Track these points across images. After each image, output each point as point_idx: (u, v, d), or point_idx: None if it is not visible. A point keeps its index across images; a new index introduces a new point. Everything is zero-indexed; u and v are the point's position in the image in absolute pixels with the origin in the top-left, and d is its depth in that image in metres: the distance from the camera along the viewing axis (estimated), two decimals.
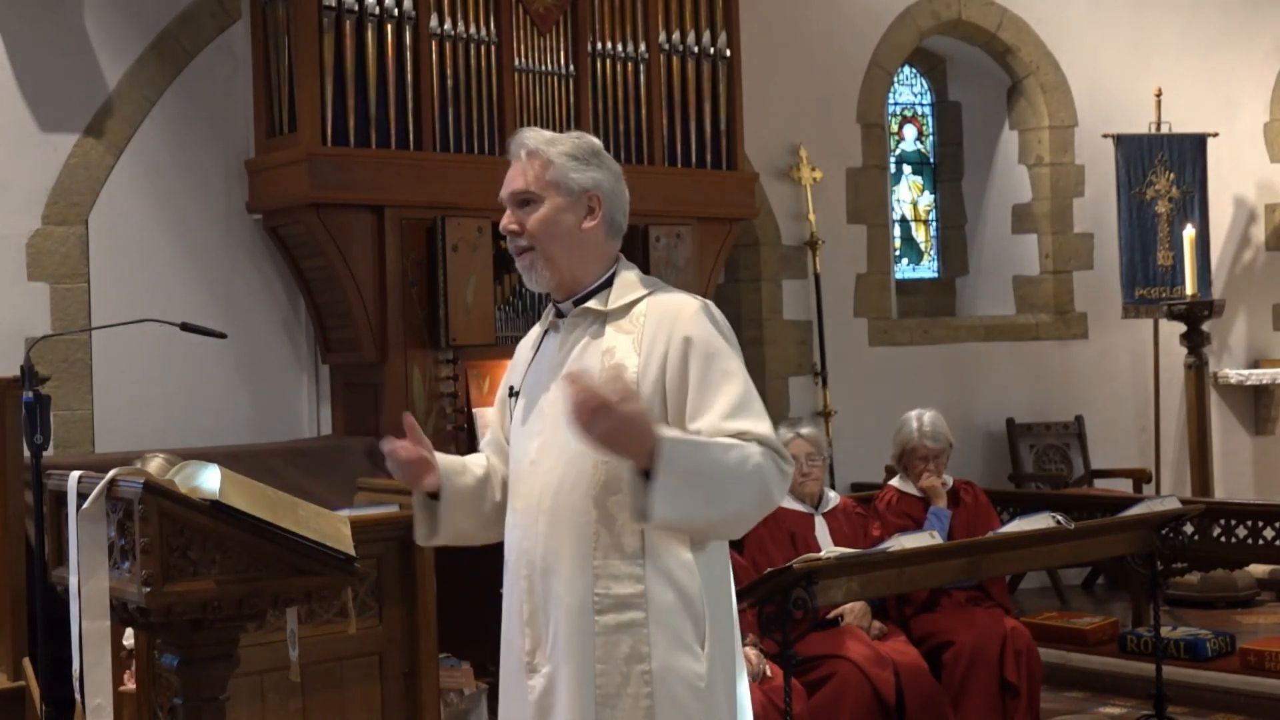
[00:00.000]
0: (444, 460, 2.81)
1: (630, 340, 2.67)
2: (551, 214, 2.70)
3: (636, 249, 6.31)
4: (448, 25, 6.03)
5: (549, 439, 2.69)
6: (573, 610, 2.61)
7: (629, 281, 2.76)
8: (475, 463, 2.89)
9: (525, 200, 2.72)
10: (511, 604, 2.74)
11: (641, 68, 6.61)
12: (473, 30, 6.10)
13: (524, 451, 2.74)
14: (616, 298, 2.73)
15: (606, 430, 2.42)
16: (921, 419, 5.54)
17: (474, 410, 5.98)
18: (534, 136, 2.75)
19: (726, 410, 2.58)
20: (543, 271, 2.73)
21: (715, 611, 2.67)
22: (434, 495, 2.79)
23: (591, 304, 2.74)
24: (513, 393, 2.85)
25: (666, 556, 2.62)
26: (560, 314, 2.79)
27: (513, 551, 2.74)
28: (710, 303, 2.73)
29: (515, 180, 2.73)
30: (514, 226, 2.73)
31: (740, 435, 2.56)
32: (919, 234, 9.43)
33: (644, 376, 2.63)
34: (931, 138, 9.47)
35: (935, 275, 9.42)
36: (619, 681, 2.59)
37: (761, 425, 2.59)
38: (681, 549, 2.64)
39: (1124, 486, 8.36)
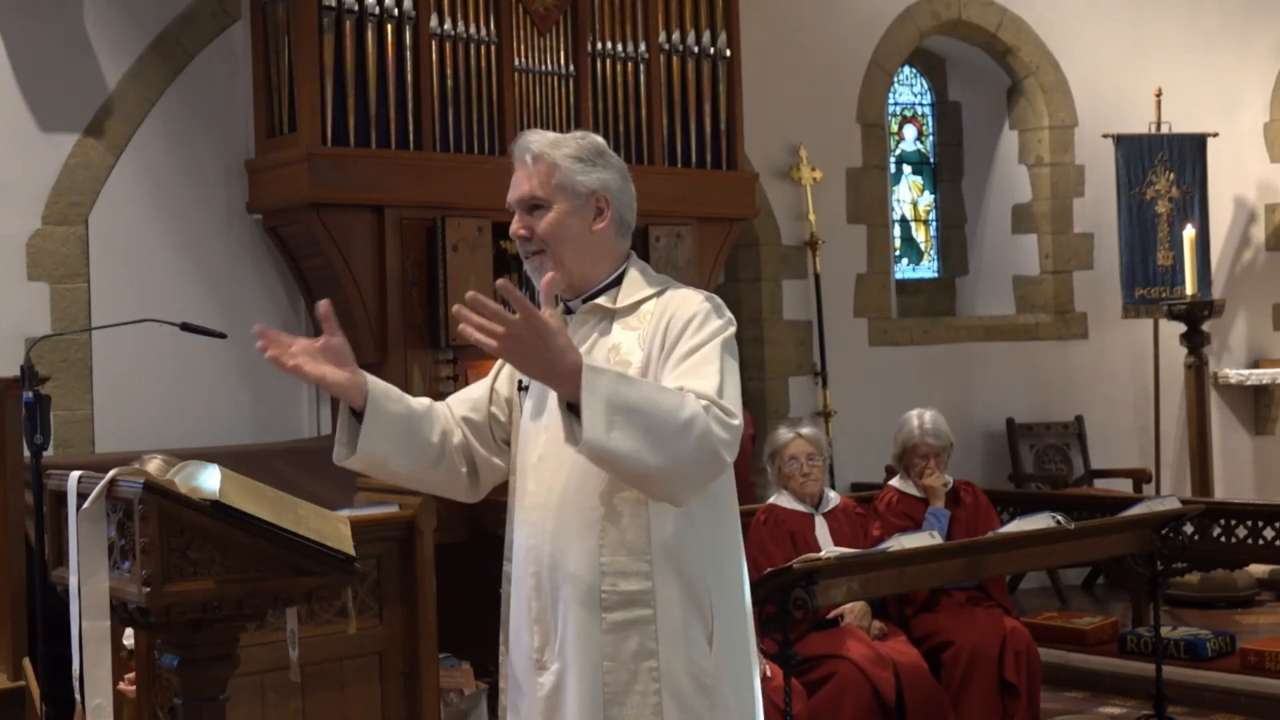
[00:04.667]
0: (376, 381, 2.71)
1: (636, 336, 2.68)
2: (561, 218, 2.69)
3: (636, 249, 6.26)
4: (448, 25, 6.03)
5: (555, 435, 2.67)
6: (580, 607, 2.60)
7: (638, 279, 2.77)
8: (419, 400, 2.82)
9: (534, 205, 2.71)
10: (519, 601, 2.73)
11: (641, 68, 6.61)
12: (473, 30, 6.10)
13: (531, 448, 2.74)
14: (625, 296, 2.74)
15: (514, 339, 2.37)
16: (923, 417, 5.55)
17: None
18: (538, 140, 2.73)
19: (677, 374, 2.56)
20: (555, 272, 2.72)
21: (724, 608, 2.67)
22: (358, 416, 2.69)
23: (600, 301, 2.74)
24: (522, 387, 2.85)
25: (674, 553, 2.62)
26: (568, 310, 2.80)
27: (519, 549, 2.73)
28: (714, 295, 2.73)
29: (521, 185, 2.71)
30: (524, 232, 2.72)
31: (681, 390, 2.51)
32: (919, 234, 9.43)
33: (647, 370, 2.65)
34: (931, 138, 9.47)
35: (935, 275, 9.42)
36: (627, 679, 2.59)
37: (707, 384, 2.52)
38: (688, 544, 2.64)
39: (1124, 486, 8.36)
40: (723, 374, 2.57)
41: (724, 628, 2.67)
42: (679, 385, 2.53)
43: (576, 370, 2.41)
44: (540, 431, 2.72)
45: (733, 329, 2.68)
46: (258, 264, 6.16)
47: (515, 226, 2.73)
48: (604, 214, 2.74)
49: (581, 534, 2.61)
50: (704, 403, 2.49)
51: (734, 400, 2.57)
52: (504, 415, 2.87)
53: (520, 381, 2.86)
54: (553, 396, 2.71)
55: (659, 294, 2.74)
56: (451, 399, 2.91)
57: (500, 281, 2.43)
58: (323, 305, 2.65)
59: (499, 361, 2.88)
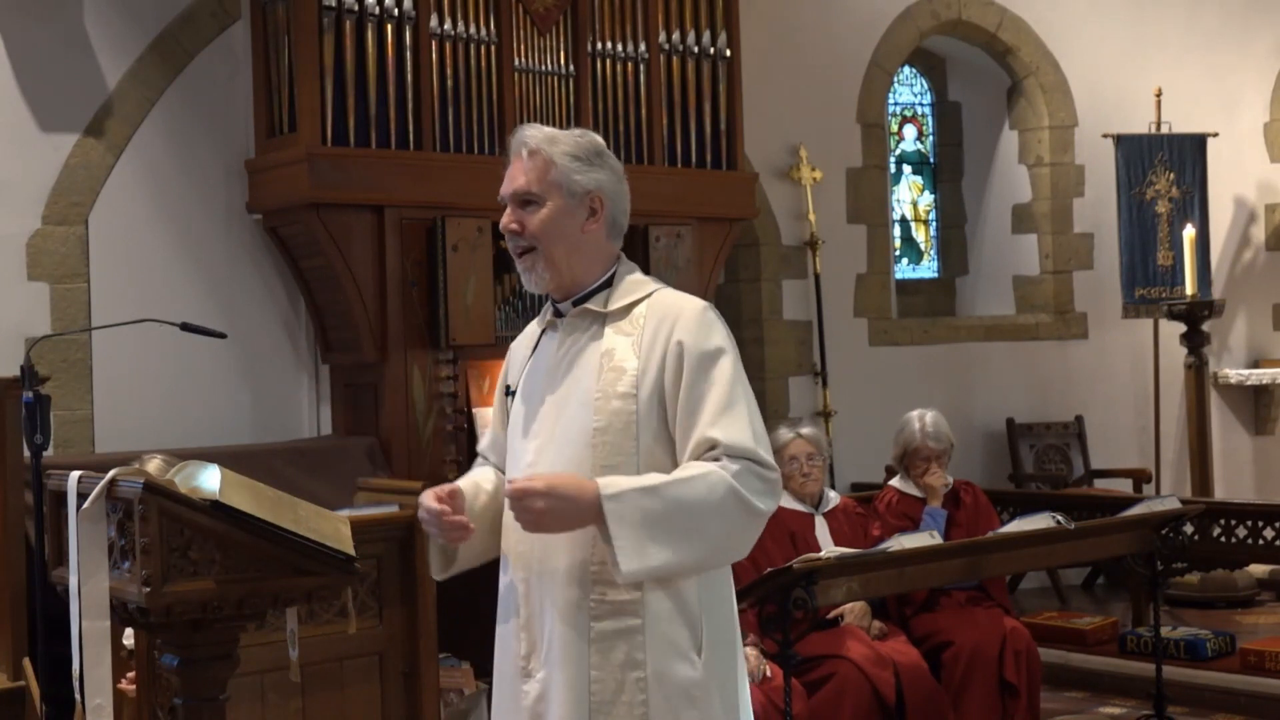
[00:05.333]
0: (467, 492, 2.77)
1: (630, 342, 2.66)
2: (554, 216, 2.68)
3: (636, 249, 6.31)
4: (448, 25, 6.03)
5: (546, 441, 2.67)
6: (568, 615, 2.59)
7: (629, 282, 2.74)
8: (484, 480, 2.85)
9: (527, 200, 2.69)
10: (507, 607, 2.72)
11: (641, 68, 6.61)
12: (473, 30, 6.10)
13: (521, 453, 2.72)
14: (617, 299, 2.71)
15: (542, 514, 2.49)
16: (924, 419, 5.55)
17: (474, 410, 5.98)
18: (535, 134, 2.71)
19: (708, 420, 2.57)
20: (543, 273, 2.71)
21: (713, 618, 2.66)
22: None
23: (591, 305, 2.72)
24: (509, 392, 2.84)
25: None
26: (559, 314, 2.78)
27: (509, 554, 2.72)
28: (710, 305, 2.70)
29: (516, 179, 2.70)
30: (514, 226, 2.70)
31: (713, 445, 2.54)
32: (919, 234, 9.43)
33: (643, 379, 2.62)
34: (931, 138, 9.47)
35: (935, 275, 9.42)
36: (614, 688, 2.58)
37: (736, 432, 2.55)
38: None
39: (1124, 486, 8.36)
40: (750, 414, 2.59)
41: (712, 639, 2.65)
42: (712, 438, 2.55)
43: (597, 505, 2.47)
44: (531, 438, 2.70)
45: (731, 349, 2.67)
46: (258, 264, 6.16)
47: (506, 220, 2.71)
48: (597, 215, 2.71)
49: (571, 541, 2.60)
50: (736, 466, 2.52)
51: (764, 438, 2.61)
52: None
53: (508, 386, 2.86)
54: (544, 401, 2.71)
55: (650, 297, 2.71)
56: (486, 451, 2.93)
57: (507, 489, 2.55)
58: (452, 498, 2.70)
59: (498, 390, 2.91)
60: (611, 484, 2.51)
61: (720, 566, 2.65)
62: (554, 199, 2.68)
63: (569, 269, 2.71)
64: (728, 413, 2.57)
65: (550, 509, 2.49)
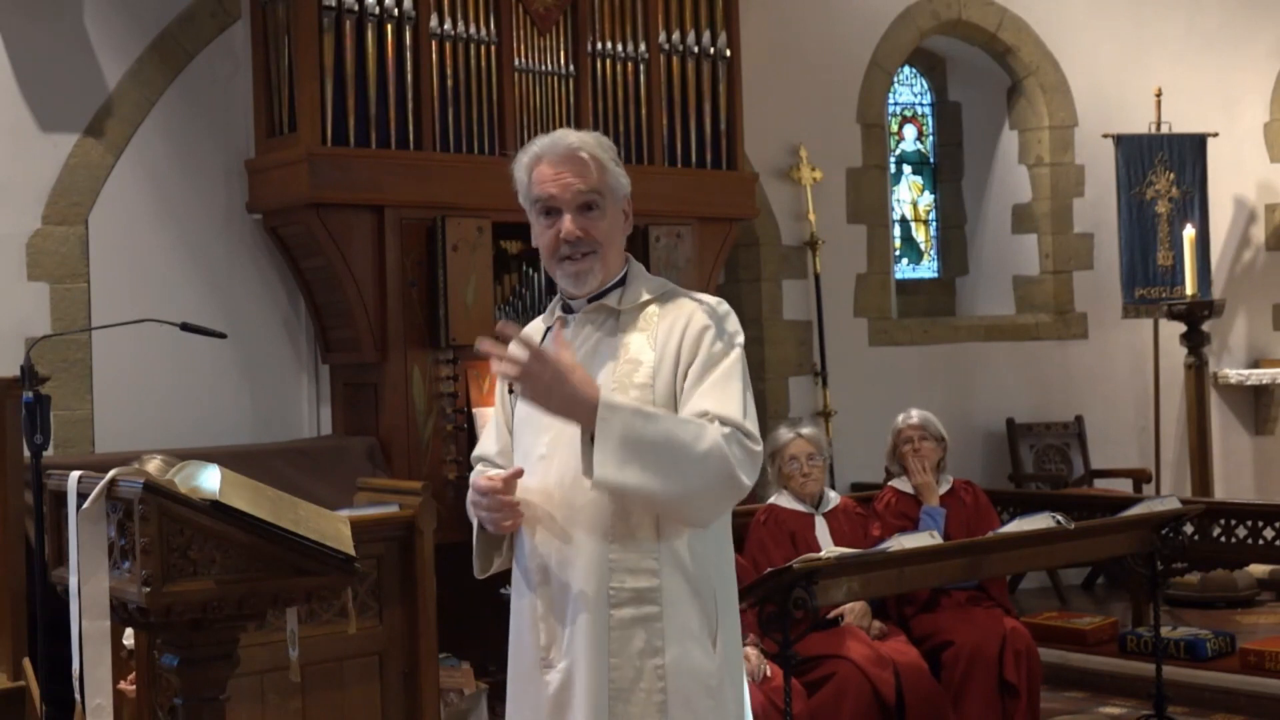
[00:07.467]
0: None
1: (645, 337, 2.71)
2: (612, 219, 2.74)
3: (637, 249, 6.31)
4: (448, 25, 6.03)
5: (559, 433, 2.68)
6: (588, 604, 2.61)
7: (640, 280, 2.80)
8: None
9: (589, 204, 2.70)
10: (524, 599, 2.73)
11: (641, 68, 6.61)
12: (473, 30, 6.10)
13: (533, 446, 2.74)
14: (631, 296, 2.76)
15: (543, 388, 2.50)
16: (909, 411, 5.61)
17: (474, 410, 5.98)
18: (584, 139, 2.73)
19: (703, 392, 2.62)
20: (598, 274, 2.75)
21: (726, 609, 2.69)
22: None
23: (606, 301, 2.76)
24: (512, 390, 2.85)
25: (681, 551, 2.63)
26: (568, 309, 2.80)
27: (525, 545, 2.73)
28: (722, 300, 2.77)
29: (575, 183, 2.69)
30: (580, 233, 2.69)
31: (704, 414, 2.58)
32: (919, 234, 9.43)
33: (659, 370, 2.66)
34: (931, 138, 9.47)
35: (935, 275, 9.42)
36: (633, 676, 2.60)
37: (729, 407, 2.59)
38: (695, 543, 2.64)
39: (1124, 486, 8.36)
40: (745, 396, 2.64)
41: (725, 629, 2.67)
42: (704, 408, 2.59)
43: (593, 406, 2.50)
44: (544, 430, 2.71)
45: (742, 340, 2.72)
46: (258, 264, 6.16)
47: (570, 227, 2.68)
48: (629, 217, 2.80)
49: (589, 530, 2.62)
50: (727, 429, 2.56)
51: (754, 421, 2.64)
52: None
53: (511, 385, 2.86)
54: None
55: (663, 296, 2.76)
56: (490, 454, 2.91)
57: (499, 325, 2.53)
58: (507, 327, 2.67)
59: (497, 396, 2.91)
60: (613, 395, 2.57)
61: (683, 519, 2.62)
62: (610, 201, 2.73)
63: (610, 268, 2.76)
64: (724, 390, 2.62)
65: (552, 387, 2.52)
